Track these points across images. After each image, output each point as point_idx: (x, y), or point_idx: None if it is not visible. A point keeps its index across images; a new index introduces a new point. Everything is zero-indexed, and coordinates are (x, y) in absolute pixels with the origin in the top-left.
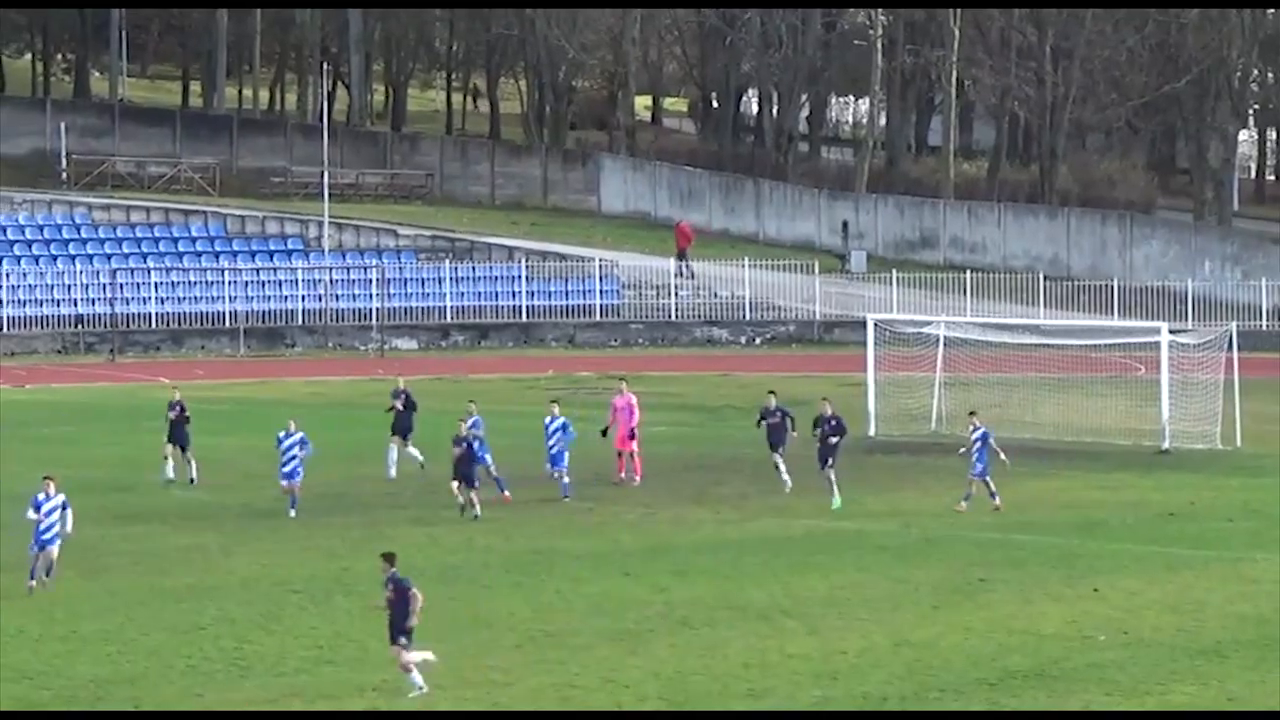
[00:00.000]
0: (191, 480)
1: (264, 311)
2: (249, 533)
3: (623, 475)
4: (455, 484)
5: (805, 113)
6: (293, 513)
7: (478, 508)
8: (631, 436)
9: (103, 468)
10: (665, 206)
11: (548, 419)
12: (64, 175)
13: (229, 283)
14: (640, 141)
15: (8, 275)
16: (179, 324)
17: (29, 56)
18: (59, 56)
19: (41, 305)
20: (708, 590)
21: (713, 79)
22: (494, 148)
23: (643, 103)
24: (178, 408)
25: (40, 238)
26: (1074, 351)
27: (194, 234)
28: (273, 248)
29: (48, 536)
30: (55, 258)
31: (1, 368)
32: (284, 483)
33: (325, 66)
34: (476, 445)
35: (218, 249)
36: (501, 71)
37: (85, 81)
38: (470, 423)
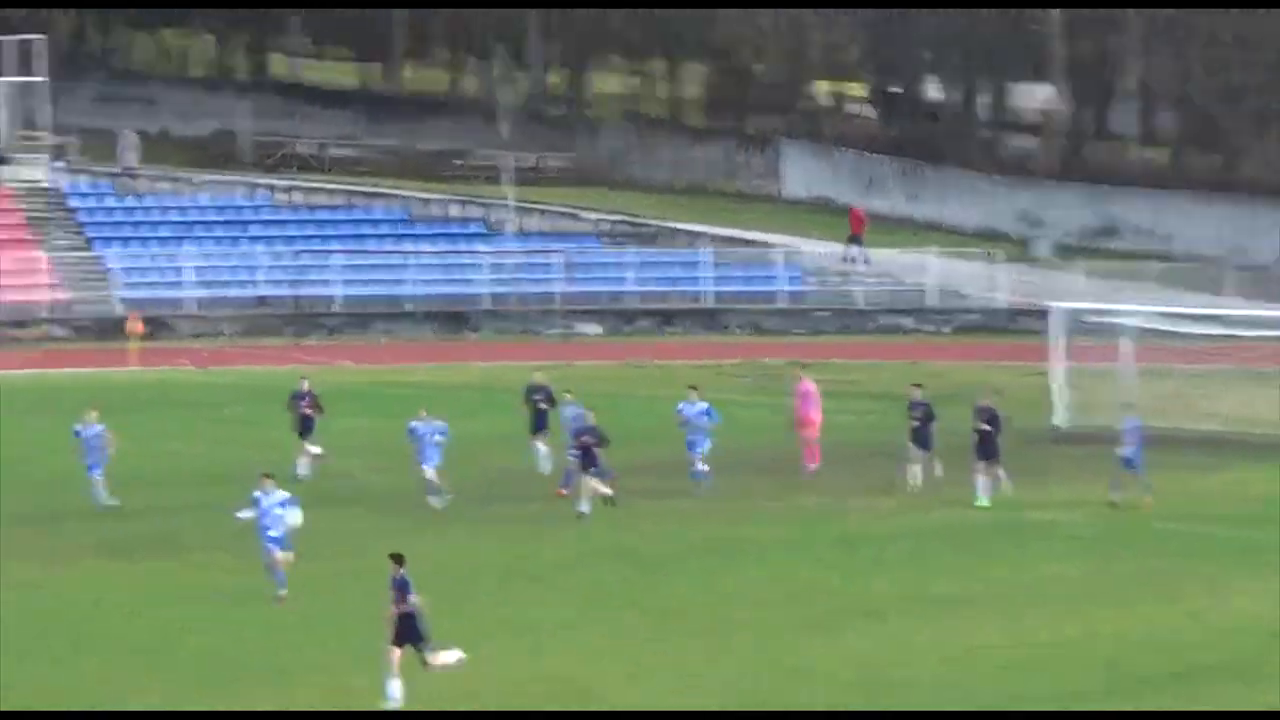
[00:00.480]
0: (318, 455)
1: (446, 295)
2: (439, 515)
3: (811, 464)
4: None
5: (987, 99)
6: (435, 501)
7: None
8: (811, 423)
9: (283, 450)
10: (847, 193)
11: (683, 405)
12: (246, 157)
13: (411, 266)
14: (822, 127)
15: (190, 257)
16: (361, 307)
17: (209, 37)
18: (239, 38)
19: (225, 287)
20: (898, 579)
21: (894, 64)
22: (675, 132)
23: (824, 88)
24: (308, 398)
25: (221, 219)
26: (1261, 342)
27: (376, 217)
28: (455, 231)
29: (275, 535)
30: (237, 240)
31: (185, 348)
32: (426, 467)
33: (506, 49)
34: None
35: (400, 232)
36: (683, 55)
37: (265, 63)
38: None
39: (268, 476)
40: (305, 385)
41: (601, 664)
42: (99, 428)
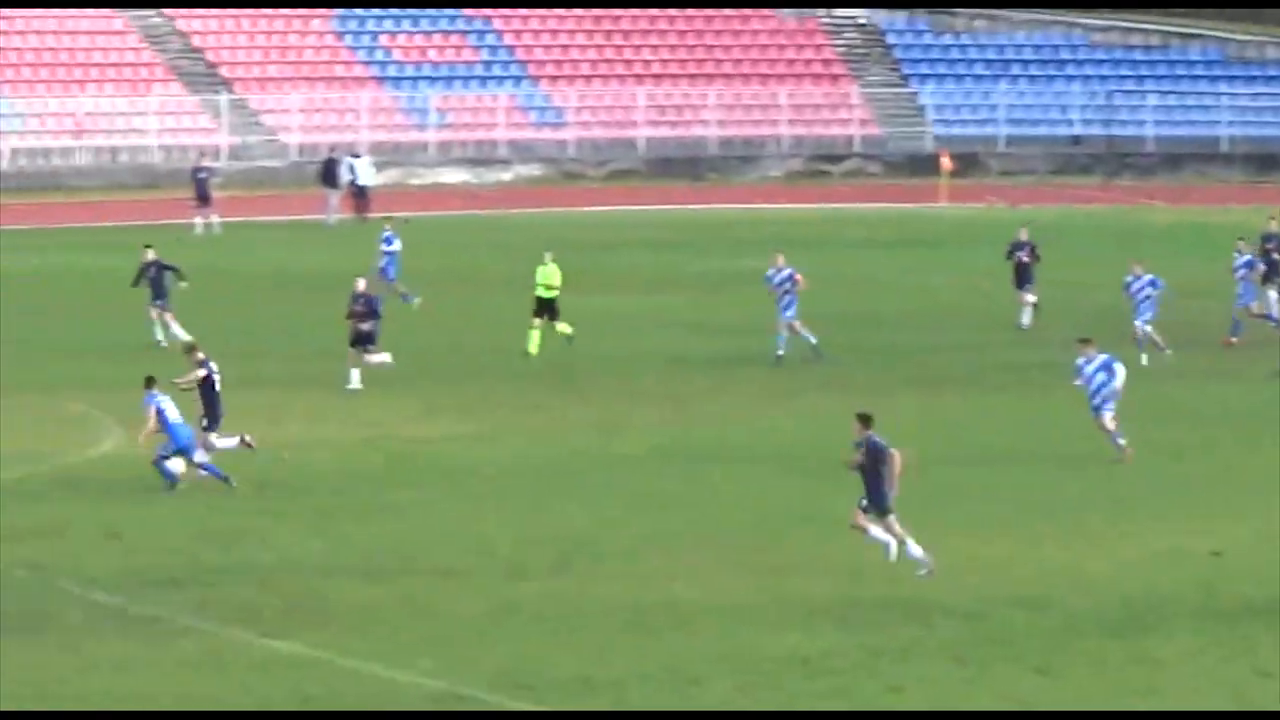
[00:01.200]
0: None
1: (1261, 137)
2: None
3: None
4: None
5: None
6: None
7: None
8: None
9: (1077, 295)
10: None
11: None
12: None
13: (1226, 107)
14: None
15: (1004, 95)
16: (1174, 148)
17: None
18: None
19: (1036, 125)
20: None
21: None
22: None
23: None
24: (1027, 247)
25: (1036, 58)
26: None
27: (1191, 57)
28: (1272, 73)
29: (1101, 399)
30: (1052, 78)
31: (995, 186)
32: (1136, 323)
33: None
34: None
35: (1215, 73)
36: None
37: None
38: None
39: (1085, 342)
40: (1024, 234)
41: None
42: (788, 270)
